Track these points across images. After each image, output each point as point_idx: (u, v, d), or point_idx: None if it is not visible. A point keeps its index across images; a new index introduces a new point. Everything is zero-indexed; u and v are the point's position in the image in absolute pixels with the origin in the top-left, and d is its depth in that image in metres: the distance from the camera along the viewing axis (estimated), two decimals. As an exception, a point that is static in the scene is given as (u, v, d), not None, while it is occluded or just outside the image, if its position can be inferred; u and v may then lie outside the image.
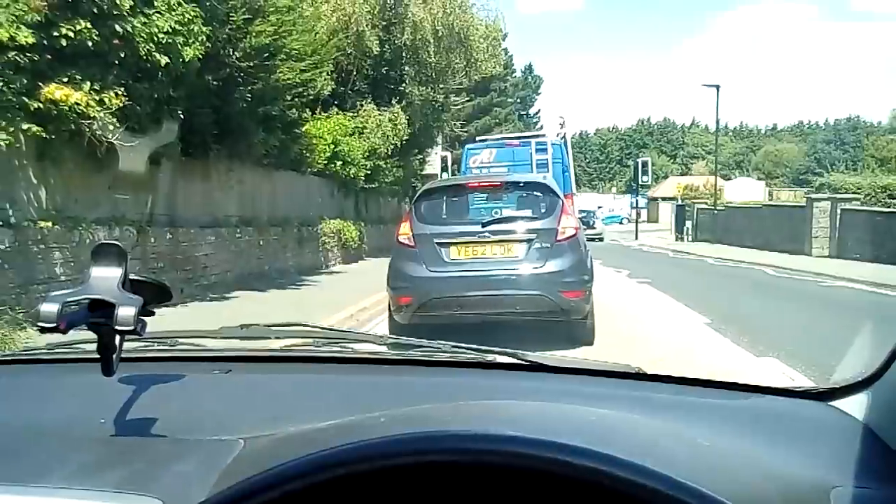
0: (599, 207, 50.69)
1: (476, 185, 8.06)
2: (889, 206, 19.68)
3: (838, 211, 20.76)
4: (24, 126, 7.15)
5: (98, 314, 0.90)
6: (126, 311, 0.89)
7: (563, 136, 17.18)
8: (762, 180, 63.80)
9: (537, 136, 18.23)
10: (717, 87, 31.35)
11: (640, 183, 31.72)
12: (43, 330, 0.88)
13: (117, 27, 7.78)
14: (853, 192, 21.71)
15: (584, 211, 37.82)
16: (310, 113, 15.32)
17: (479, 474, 0.67)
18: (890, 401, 0.95)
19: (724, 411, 1.10)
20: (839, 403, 1.08)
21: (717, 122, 34.39)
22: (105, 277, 0.92)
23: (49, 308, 0.87)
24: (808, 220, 21.50)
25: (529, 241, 6.74)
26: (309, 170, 16.13)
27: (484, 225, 6.87)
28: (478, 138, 21.39)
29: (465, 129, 37.59)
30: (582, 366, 1.38)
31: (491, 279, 6.61)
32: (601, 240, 33.47)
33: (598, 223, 37.08)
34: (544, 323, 6.88)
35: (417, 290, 6.73)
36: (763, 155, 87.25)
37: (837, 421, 1.05)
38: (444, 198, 7.62)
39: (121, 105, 7.90)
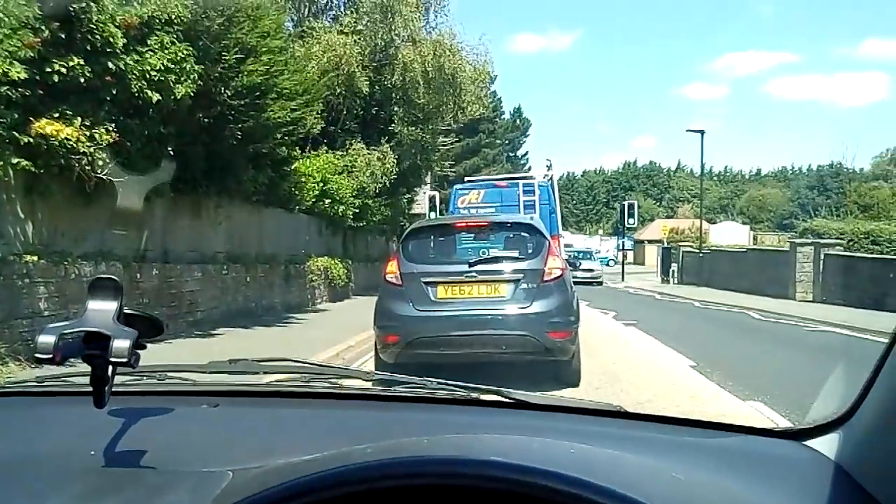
0: (597, 251, 50.20)
1: (464, 224, 8.10)
2: (872, 252, 19.90)
3: (821, 256, 20.96)
4: (14, 160, 7.16)
5: (93, 346, 0.92)
6: (121, 344, 0.91)
7: (550, 178, 17.44)
8: (747, 224, 64.39)
9: (525, 177, 18.52)
10: (702, 132, 31.82)
11: (627, 225, 32.01)
12: (39, 361, 0.89)
13: (110, 64, 7.87)
14: (836, 238, 21.95)
15: (577, 251, 37.13)
16: (299, 151, 15.44)
17: (462, 498, 0.70)
18: (860, 440, 0.98)
19: (702, 449, 1.12)
20: (813, 443, 1.10)
21: (702, 166, 34.82)
22: (101, 310, 0.94)
23: (46, 339, 0.89)
24: (791, 264, 21.68)
25: (516, 281, 6.76)
26: (297, 207, 16.19)
27: (471, 264, 6.87)
28: (466, 179, 21.62)
29: (454, 170, 37.87)
30: (564, 404, 1.41)
31: (477, 319, 6.61)
32: (599, 283, 31.29)
33: (595, 265, 33.64)
34: (530, 363, 6.84)
35: (404, 329, 6.72)
36: (747, 199, 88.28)
37: (811, 460, 1.07)
38: (432, 237, 7.67)
39: (111, 141, 7.94)
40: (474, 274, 6.77)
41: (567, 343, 6.70)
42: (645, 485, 0.79)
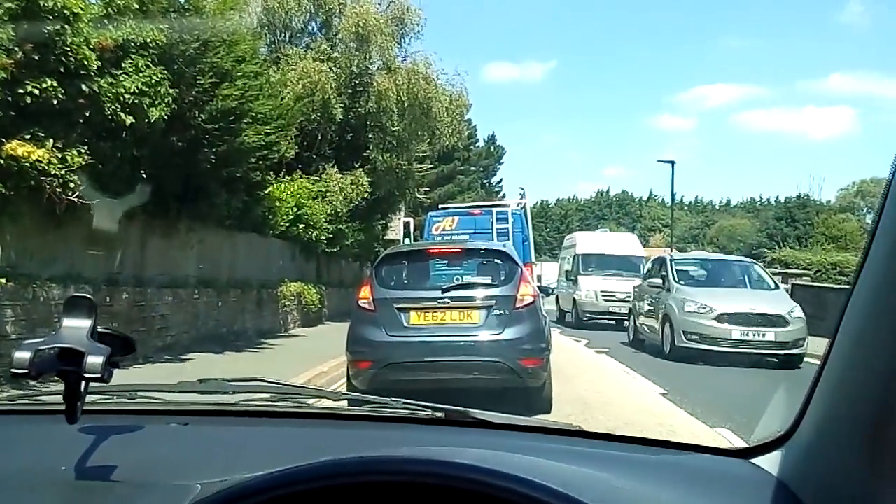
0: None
1: (437, 251, 8.21)
2: (839, 283, 20.27)
3: (789, 286, 21.30)
4: (-17, 181, 7.10)
5: (67, 362, 0.95)
6: (94, 360, 0.94)
7: (524, 206, 17.82)
8: (716, 254, 65.30)
9: (499, 205, 19.00)
10: (673, 162, 32.39)
11: (600, 253, 32.18)
12: (15, 376, 0.92)
13: (84, 87, 7.85)
14: (804, 268, 22.33)
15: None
16: (274, 176, 15.43)
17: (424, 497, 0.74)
18: (800, 458, 1.02)
19: (651, 466, 1.17)
20: (758, 460, 1.15)
21: (673, 196, 35.41)
22: (75, 328, 0.97)
23: (22, 355, 0.92)
24: (760, 294, 22.11)
25: (488, 307, 6.79)
26: (271, 232, 16.13)
27: (444, 291, 6.91)
28: (441, 206, 21.89)
29: (429, 196, 38.02)
30: (524, 423, 1.45)
31: (450, 345, 6.65)
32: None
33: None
34: (502, 390, 6.82)
35: (376, 355, 6.72)
36: (717, 229, 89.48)
37: (755, 477, 1.11)
38: (406, 263, 7.70)
39: (83, 163, 7.89)
40: (447, 300, 6.80)
41: (539, 370, 6.73)
42: (589, 493, 0.83)
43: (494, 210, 16.78)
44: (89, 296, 1.02)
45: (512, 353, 6.60)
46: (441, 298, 6.82)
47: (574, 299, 21.14)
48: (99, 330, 0.99)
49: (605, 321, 19.94)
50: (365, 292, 7.05)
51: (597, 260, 21.34)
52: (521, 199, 20.56)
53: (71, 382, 0.97)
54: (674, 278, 13.13)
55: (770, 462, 1.11)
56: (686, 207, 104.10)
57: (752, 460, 1.16)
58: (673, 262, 14.00)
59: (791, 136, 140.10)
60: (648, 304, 13.96)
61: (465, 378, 6.64)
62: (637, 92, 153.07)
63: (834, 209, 59.59)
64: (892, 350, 0.75)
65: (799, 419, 1.02)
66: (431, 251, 8.19)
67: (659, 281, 13.45)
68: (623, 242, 23.59)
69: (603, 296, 20.11)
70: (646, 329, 14.06)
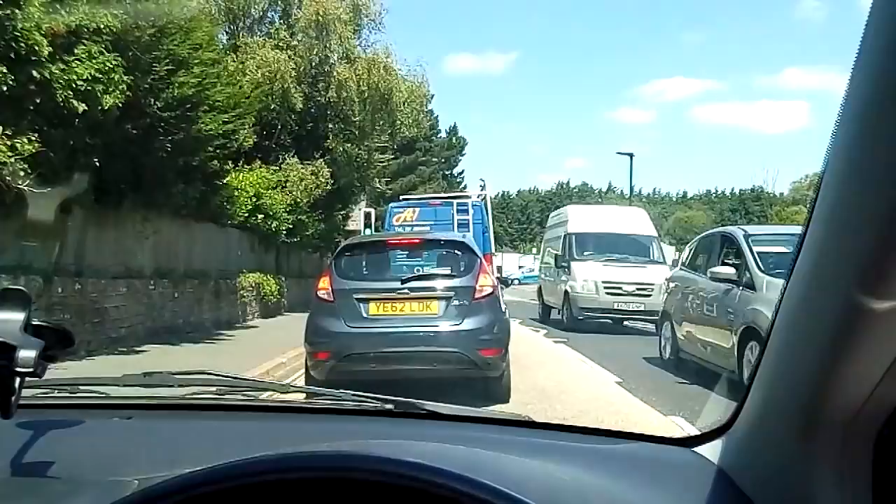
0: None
1: (397, 242, 8.25)
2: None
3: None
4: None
5: None
6: (27, 354, 0.91)
7: (484, 198, 17.83)
8: (673, 245, 66.16)
9: (459, 197, 18.92)
10: (631, 155, 32.84)
11: (559, 244, 32.41)
12: None
13: (34, 73, 7.64)
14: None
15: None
16: (232, 165, 15.22)
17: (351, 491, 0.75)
18: (740, 446, 1.05)
19: (597, 456, 1.19)
20: (701, 449, 1.18)
21: (632, 188, 35.85)
22: (7, 321, 0.94)
23: None
24: (715, 284, 22.48)
25: (448, 298, 6.83)
26: (229, 222, 15.93)
27: (403, 281, 6.93)
28: (402, 197, 21.83)
29: (390, 187, 37.90)
30: (474, 414, 1.47)
31: (409, 336, 6.66)
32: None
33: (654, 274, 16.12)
34: (461, 380, 6.92)
35: (335, 345, 6.72)
36: (674, 221, 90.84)
37: (697, 465, 1.14)
38: (365, 254, 7.69)
39: (34, 151, 7.69)
40: (406, 291, 6.83)
41: (497, 360, 6.78)
42: (533, 484, 0.85)
43: (455, 202, 16.74)
44: (23, 288, 1.00)
45: (471, 344, 6.64)
46: (401, 289, 6.84)
47: (566, 292, 16.60)
48: (34, 323, 0.97)
49: (608, 320, 16.56)
50: (324, 283, 7.05)
51: (595, 241, 16.96)
52: (482, 190, 20.44)
53: (3, 377, 0.93)
54: (759, 267, 7.84)
55: (712, 450, 1.14)
56: (644, 199, 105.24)
57: (695, 449, 1.19)
58: (751, 241, 8.36)
59: (747, 130, 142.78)
60: (707, 308, 8.82)
61: (425, 368, 6.66)
62: (597, 84, 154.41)
63: (787, 202, 60.99)
64: (822, 340, 0.79)
65: (739, 408, 1.06)
66: (391, 242, 8.18)
67: (728, 271, 8.26)
68: (628, 218, 18.38)
69: (606, 288, 15.79)
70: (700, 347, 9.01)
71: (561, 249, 17.57)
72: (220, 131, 11.92)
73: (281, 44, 19.87)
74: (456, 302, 6.79)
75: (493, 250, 18.88)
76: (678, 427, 6.20)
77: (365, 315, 6.81)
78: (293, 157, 19.67)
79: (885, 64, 0.65)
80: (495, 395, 6.90)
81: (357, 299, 6.84)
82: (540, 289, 20.10)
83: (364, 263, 7.55)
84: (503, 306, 7.25)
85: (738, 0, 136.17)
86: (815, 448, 0.84)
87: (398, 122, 22.19)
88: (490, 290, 6.95)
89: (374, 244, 8.18)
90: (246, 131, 13.95)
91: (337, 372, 6.64)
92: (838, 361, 0.76)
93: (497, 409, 6.30)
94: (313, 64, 20.59)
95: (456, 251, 7.45)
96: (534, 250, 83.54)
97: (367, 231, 20.12)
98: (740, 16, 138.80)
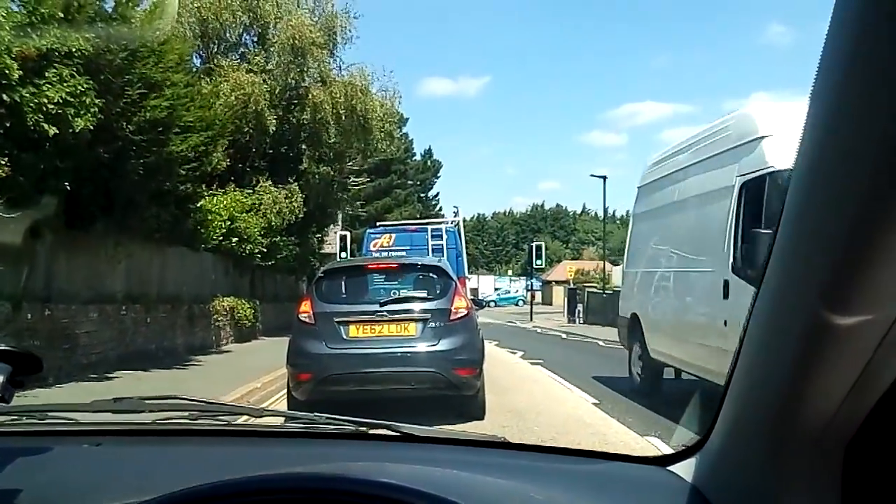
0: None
1: (375, 266, 8.59)
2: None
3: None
4: None
5: None
6: None
7: (457, 224, 18.38)
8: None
9: (434, 223, 19.45)
10: (604, 177, 33.09)
11: (535, 266, 32.61)
12: None
13: (4, 96, 7.58)
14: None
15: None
16: (206, 188, 15.12)
17: None
18: (713, 464, 1.06)
19: (572, 476, 1.19)
20: (675, 467, 1.18)
21: (605, 210, 36.17)
22: None
23: None
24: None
25: (424, 320, 7.07)
26: (203, 246, 15.78)
27: (382, 304, 7.18)
28: (378, 223, 22.01)
29: (365, 210, 37.86)
30: (449, 436, 1.46)
31: (387, 357, 6.89)
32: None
33: None
34: (438, 398, 7.08)
35: (316, 367, 6.94)
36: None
37: (671, 484, 1.14)
38: (345, 277, 7.93)
39: (2, 175, 7.59)
40: (385, 313, 7.08)
41: (472, 379, 7.02)
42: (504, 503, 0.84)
43: (430, 227, 17.30)
44: None
45: (447, 364, 6.87)
46: (379, 312, 7.09)
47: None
48: (1, 348, 0.95)
49: None
50: (305, 306, 7.26)
51: None
52: (455, 216, 20.97)
53: None
54: None
55: (685, 469, 1.15)
56: (618, 221, 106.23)
57: (669, 467, 1.19)
58: None
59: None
60: None
61: (403, 388, 6.87)
62: (569, 108, 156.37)
63: (758, 222, 61.88)
64: (789, 355, 0.79)
65: (711, 426, 1.06)
66: (370, 266, 8.49)
67: None
68: None
69: None
70: None
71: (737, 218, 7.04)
72: (192, 153, 11.85)
73: (255, 67, 19.87)
74: (432, 324, 7.03)
75: (467, 274, 19.18)
76: (655, 448, 6.20)
77: (345, 337, 7.01)
78: (267, 180, 19.59)
79: (842, 82, 0.65)
80: (471, 412, 7.10)
81: (337, 322, 7.06)
82: (632, 326, 10.07)
83: (344, 287, 7.76)
84: (477, 327, 7.46)
85: (705, 25, 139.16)
86: (786, 463, 0.85)
87: (373, 141, 22.21)
88: (465, 311, 7.18)
89: (354, 268, 8.42)
90: (219, 154, 13.89)
91: (318, 392, 6.84)
92: (806, 376, 0.77)
93: (473, 431, 6.28)
94: (288, 87, 20.59)
95: (432, 275, 7.69)
96: (509, 272, 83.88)
97: (343, 254, 20.17)
98: (708, 41, 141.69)
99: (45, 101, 7.95)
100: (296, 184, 20.34)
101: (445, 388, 6.95)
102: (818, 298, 0.71)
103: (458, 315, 7.09)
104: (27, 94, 7.81)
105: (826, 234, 0.70)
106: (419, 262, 8.66)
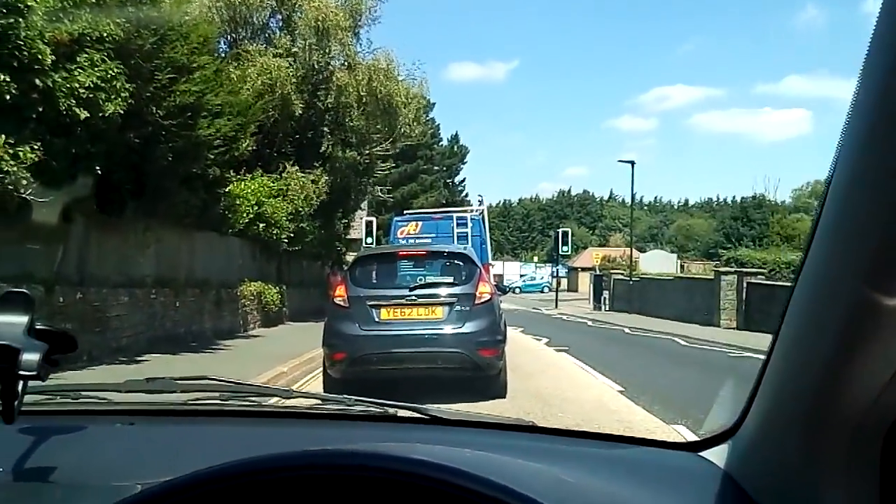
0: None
1: (405, 253, 9.02)
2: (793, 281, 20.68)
3: (744, 284, 21.71)
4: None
5: (2, 360, 0.90)
6: (30, 357, 0.90)
7: (482, 213, 18.75)
8: (675, 253, 66.08)
9: (459, 211, 19.82)
10: (633, 163, 32.74)
11: (561, 253, 32.49)
12: None
13: (37, 81, 7.67)
14: (759, 267, 22.78)
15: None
16: (233, 173, 15.23)
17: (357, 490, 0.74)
18: (746, 450, 1.05)
19: (601, 460, 1.19)
20: (706, 453, 1.17)
21: (633, 196, 35.79)
22: (11, 323, 0.93)
23: None
24: (716, 292, 22.37)
25: (451, 304, 7.50)
26: (231, 231, 15.93)
27: (411, 289, 7.64)
28: (405, 211, 22.27)
29: (392, 195, 37.96)
30: (477, 419, 1.46)
31: (416, 338, 7.34)
32: None
33: None
34: (462, 377, 7.46)
35: (350, 347, 7.40)
36: (676, 229, 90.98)
37: (703, 470, 1.13)
38: (377, 264, 8.53)
39: (36, 160, 7.70)
40: (414, 297, 7.53)
41: (495, 360, 7.45)
42: (538, 486, 0.84)
43: (455, 216, 17.80)
44: (26, 291, 0.98)
45: (471, 345, 7.27)
46: (408, 296, 7.53)
47: None
48: (37, 327, 0.95)
49: None
50: (340, 290, 7.75)
51: None
52: (480, 205, 21.37)
53: (6, 381, 0.92)
54: None
55: (717, 455, 1.14)
56: (646, 207, 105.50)
57: (701, 453, 1.18)
58: None
59: (748, 138, 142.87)
60: None
61: (430, 367, 7.34)
62: (598, 93, 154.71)
63: (788, 209, 60.95)
64: (830, 340, 0.78)
65: (744, 413, 1.05)
66: (400, 253, 8.98)
67: None
68: None
69: None
70: None
71: None
72: (221, 138, 11.93)
73: (281, 51, 19.93)
74: (458, 307, 7.45)
75: (491, 261, 19.43)
76: (681, 436, 6.16)
77: (377, 319, 7.50)
78: (293, 165, 19.69)
79: (891, 71, 0.64)
80: (493, 391, 7.48)
81: (370, 305, 7.53)
82: None
83: (375, 273, 8.31)
84: (500, 311, 7.85)
85: (737, 8, 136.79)
86: (822, 451, 0.83)
87: (398, 125, 22.24)
88: (489, 296, 7.58)
89: (385, 255, 9.04)
90: (247, 139, 13.97)
91: (352, 371, 7.36)
92: (846, 362, 0.76)
93: (499, 415, 6.31)
94: (314, 70, 20.63)
95: (458, 261, 8.15)
96: (535, 258, 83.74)
97: (369, 240, 20.38)
98: (741, 23, 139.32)
99: (77, 85, 8.04)
100: (321, 169, 20.43)
101: (469, 368, 7.35)
102: (862, 280, 0.70)
103: (482, 299, 7.49)
104: (59, 79, 7.89)
105: (871, 215, 0.68)
106: (446, 250, 9.21)
